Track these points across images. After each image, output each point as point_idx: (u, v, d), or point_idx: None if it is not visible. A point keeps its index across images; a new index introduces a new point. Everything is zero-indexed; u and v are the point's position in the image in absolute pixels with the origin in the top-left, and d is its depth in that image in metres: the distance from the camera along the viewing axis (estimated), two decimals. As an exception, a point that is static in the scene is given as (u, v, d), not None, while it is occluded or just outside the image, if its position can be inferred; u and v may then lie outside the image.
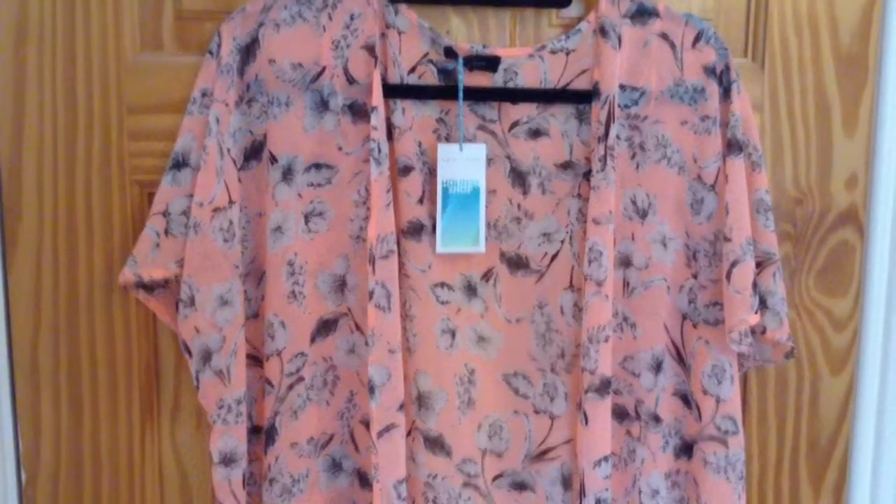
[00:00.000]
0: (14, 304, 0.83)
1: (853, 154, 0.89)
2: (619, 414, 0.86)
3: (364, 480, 0.85)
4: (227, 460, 0.79)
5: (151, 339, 0.85)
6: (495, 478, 0.86)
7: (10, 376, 0.84)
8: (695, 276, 0.84)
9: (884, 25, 0.88)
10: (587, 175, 0.82)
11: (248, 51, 0.79)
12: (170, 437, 0.86)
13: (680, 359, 0.86)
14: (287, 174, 0.80)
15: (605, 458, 0.83)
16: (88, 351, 0.84)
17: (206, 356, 0.78)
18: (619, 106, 0.81)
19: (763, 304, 0.83)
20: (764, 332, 0.83)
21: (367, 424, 0.82)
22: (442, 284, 0.83)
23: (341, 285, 0.83)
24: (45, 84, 0.80)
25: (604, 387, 0.82)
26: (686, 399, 0.86)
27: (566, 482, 0.85)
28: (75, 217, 0.82)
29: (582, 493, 0.82)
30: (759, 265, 0.83)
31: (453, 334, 0.84)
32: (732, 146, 0.81)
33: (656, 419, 0.85)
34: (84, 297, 0.83)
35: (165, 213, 0.79)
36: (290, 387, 0.82)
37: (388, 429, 0.80)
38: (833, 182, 0.89)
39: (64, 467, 0.85)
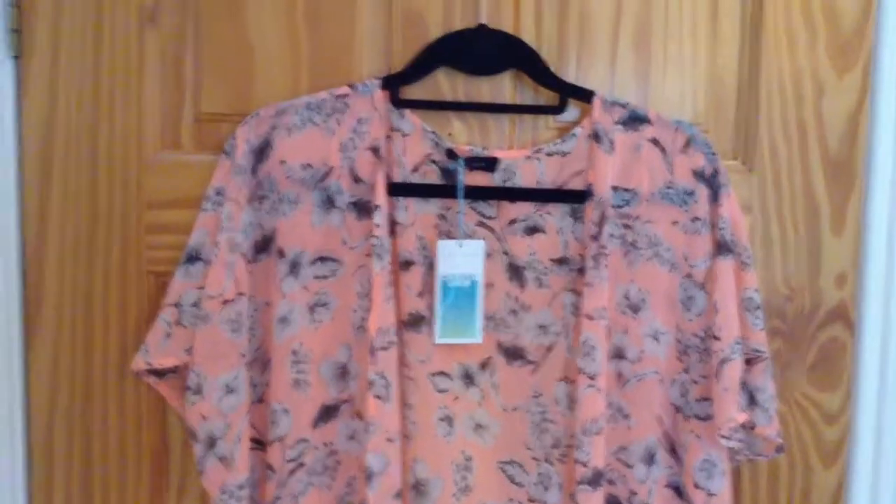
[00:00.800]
0: (33, 388, 0.87)
1: (842, 253, 0.91)
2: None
3: None
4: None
5: (160, 424, 0.88)
6: None
7: (27, 457, 0.87)
8: (686, 371, 0.87)
9: (870, 130, 0.91)
10: (582, 271, 0.86)
11: (262, 152, 0.84)
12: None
13: (673, 450, 0.88)
14: (294, 268, 0.84)
15: None
16: (101, 434, 0.87)
17: (211, 442, 0.82)
18: (612, 206, 0.85)
19: (753, 401, 0.85)
20: (753, 428, 0.85)
21: None
22: (440, 373, 0.87)
23: (343, 373, 0.86)
24: (69, 178, 0.86)
25: (596, 479, 0.84)
26: (678, 490, 0.88)
27: None
28: (93, 305, 0.87)
29: None
30: (749, 362, 0.85)
31: (451, 422, 0.87)
32: (722, 247, 0.84)
33: None
34: (99, 381, 0.87)
35: (177, 305, 0.83)
36: (292, 472, 0.85)
37: None
38: (822, 279, 0.91)
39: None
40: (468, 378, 0.87)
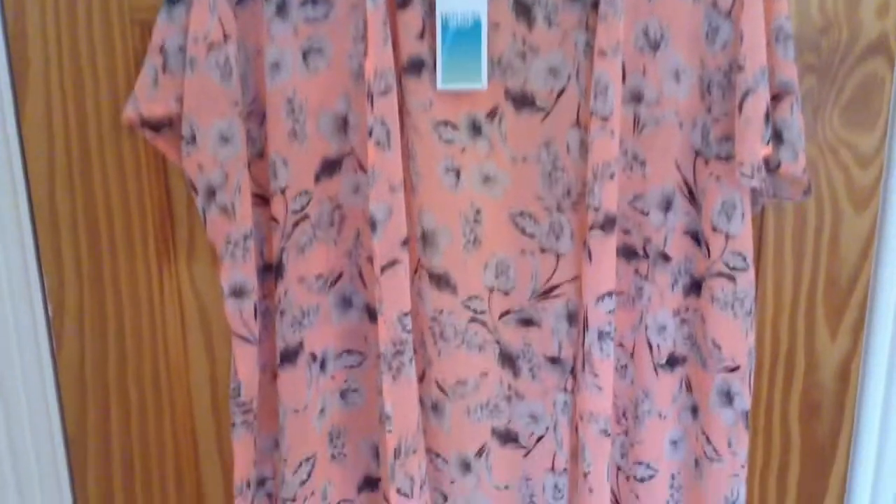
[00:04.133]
0: (29, 151, 0.86)
1: (886, -24, 0.83)
2: (627, 253, 0.86)
3: (373, 315, 0.87)
4: (237, 293, 0.82)
5: (163, 180, 0.87)
6: (502, 314, 0.87)
7: (31, 219, 0.87)
8: (708, 110, 0.81)
9: None
10: (595, 5, 0.79)
11: None
12: (187, 274, 0.89)
13: (692, 197, 0.84)
14: (281, 9, 0.79)
15: (609, 294, 0.83)
16: (103, 193, 0.86)
17: (211, 193, 0.80)
18: None
19: (779, 138, 0.79)
20: (779, 166, 0.80)
21: (373, 261, 0.84)
22: (445, 123, 0.82)
23: (343, 125, 0.83)
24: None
25: (608, 224, 0.81)
26: (697, 238, 0.85)
27: (571, 318, 0.86)
28: (79, 60, 0.83)
29: (585, 326, 0.83)
30: (776, 97, 0.79)
31: (458, 174, 0.84)
32: (749, -31, 0.76)
33: (665, 257, 0.85)
34: (94, 139, 0.85)
35: (162, 50, 0.79)
36: (296, 224, 0.83)
37: (391, 264, 0.82)
38: (862, 9, 0.83)
39: (87, 305, 0.89)
40: (475, 129, 0.83)
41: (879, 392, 0.94)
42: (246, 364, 0.85)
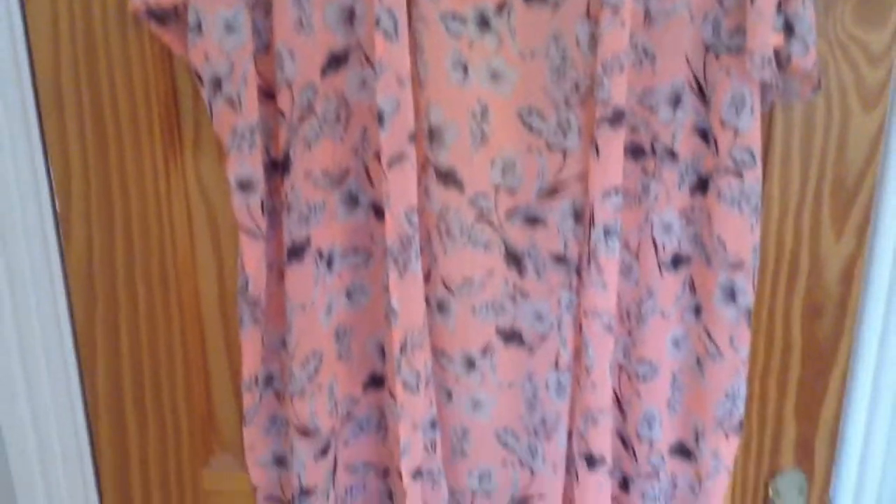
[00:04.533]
0: (35, 44, 0.84)
1: None
2: (635, 151, 0.85)
3: (379, 213, 0.87)
4: (244, 186, 0.82)
5: (169, 74, 0.86)
6: (508, 213, 0.87)
7: (38, 114, 0.87)
8: (720, 3, 0.80)
9: None
10: None
11: None
12: (193, 171, 0.89)
13: (701, 94, 0.83)
14: None
15: (616, 191, 0.83)
16: (109, 84, 0.86)
17: (217, 84, 0.80)
18: None
19: (790, 31, 0.79)
20: (789, 60, 0.79)
21: (380, 158, 0.84)
22: (453, 15, 0.82)
23: (350, 16, 0.82)
24: None
25: (617, 118, 0.81)
26: (705, 136, 0.84)
27: (577, 216, 0.86)
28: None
29: (591, 223, 0.83)
30: (789, -11, 0.78)
31: (465, 69, 0.83)
32: None
33: (672, 155, 0.84)
34: (100, 30, 0.84)
35: None
36: (302, 118, 0.83)
37: (398, 159, 0.81)
38: None
39: (94, 197, 0.89)
40: (484, 22, 0.82)
41: (882, 294, 0.94)
42: (253, 259, 0.85)
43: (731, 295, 0.86)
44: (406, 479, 0.89)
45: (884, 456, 1.01)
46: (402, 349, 0.86)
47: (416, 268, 0.85)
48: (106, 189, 0.88)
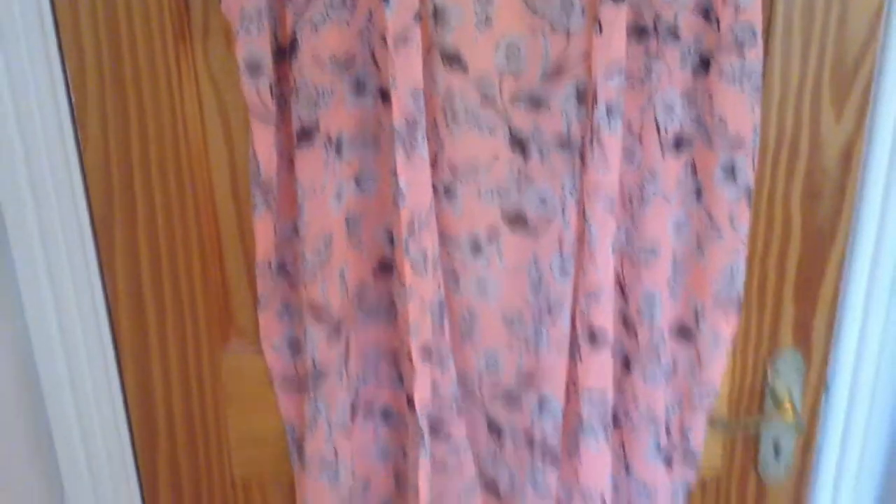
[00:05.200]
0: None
1: None
2: (638, 31, 0.86)
3: (386, 98, 0.88)
4: (253, 69, 0.84)
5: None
6: (512, 97, 0.88)
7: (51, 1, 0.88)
8: None
9: None
10: None
11: None
12: (203, 57, 0.91)
13: None
14: None
15: (619, 69, 0.84)
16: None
17: (223, -35, 0.81)
18: None
19: None
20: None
21: (386, 39, 0.85)
22: None
23: None
24: None
25: None
26: (707, 13, 0.85)
27: (580, 97, 0.88)
28: None
29: (594, 102, 0.85)
30: None
31: None
32: None
33: (674, 34, 0.85)
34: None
35: None
36: (308, 1, 0.84)
37: (403, 40, 0.83)
38: None
39: (109, 90, 0.90)
40: None
41: (880, 177, 0.96)
42: (264, 143, 0.88)
43: (732, 174, 0.88)
44: (416, 360, 0.93)
45: (881, 336, 1.03)
46: (410, 230, 0.88)
47: (423, 149, 0.87)
48: (119, 82, 0.90)
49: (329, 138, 0.88)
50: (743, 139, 0.87)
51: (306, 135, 0.87)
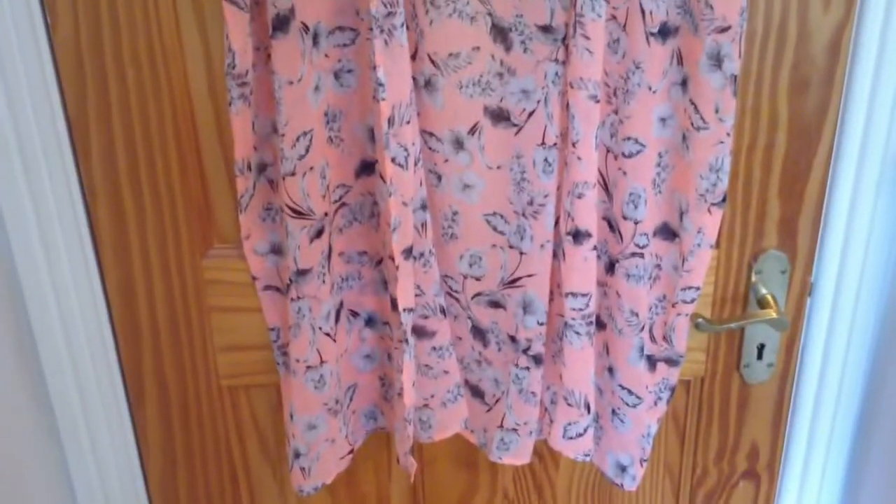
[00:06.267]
0: None
1: None
2: None
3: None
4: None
5: None
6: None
7: None
8: None
9: None
10: None
11: None
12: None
13: None
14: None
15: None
16: None
17: None
18: None
19: None
20: None
21: None
22: None
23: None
24: None
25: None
26: None
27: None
28: None
29: None
30: None
31: None
32: None
33: None
34: None
35: None
36: None
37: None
38: None
39: None
40: None
41: (869, 68, 0.94)
42: (238, 33, 0.85)
43: (717, 61, 0.87)
44: (397, 257, 0.92)
45: (867, 237, 1.03)
46: (391, 122, 0.87)
47: (402, 37, 0.84)
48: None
49: (305, 27, 0.86)
50: (729, 23, 0.85)
51: (281, 23, 0.85)
